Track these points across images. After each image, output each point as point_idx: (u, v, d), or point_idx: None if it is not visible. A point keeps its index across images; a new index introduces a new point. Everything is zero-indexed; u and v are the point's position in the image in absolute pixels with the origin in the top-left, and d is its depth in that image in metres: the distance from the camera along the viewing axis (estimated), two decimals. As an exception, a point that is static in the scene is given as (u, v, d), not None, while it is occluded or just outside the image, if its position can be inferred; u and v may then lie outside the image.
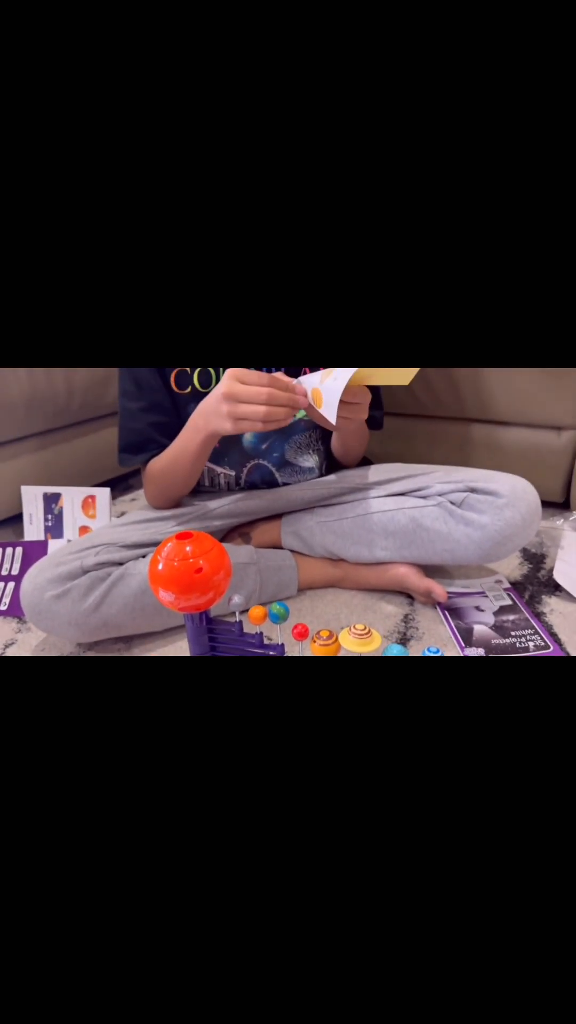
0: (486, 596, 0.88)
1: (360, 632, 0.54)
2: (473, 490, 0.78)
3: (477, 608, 0.85)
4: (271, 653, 0.58)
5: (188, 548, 0.53)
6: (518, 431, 1.09)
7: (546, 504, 1.11)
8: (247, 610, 0.59)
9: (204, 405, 0.72)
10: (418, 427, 1.18)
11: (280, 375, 0.67)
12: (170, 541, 0.54)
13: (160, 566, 0.53)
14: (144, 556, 0.81)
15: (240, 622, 0.58)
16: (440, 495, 0.80)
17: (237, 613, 0.58)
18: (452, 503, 0.79)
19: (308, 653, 0.58)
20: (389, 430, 1.01)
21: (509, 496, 0.75)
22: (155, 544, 0.83)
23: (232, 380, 0.65)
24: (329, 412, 0.63)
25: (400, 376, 0.65)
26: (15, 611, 0.95)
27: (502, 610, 0.85)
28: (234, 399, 0.64)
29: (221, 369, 0.80)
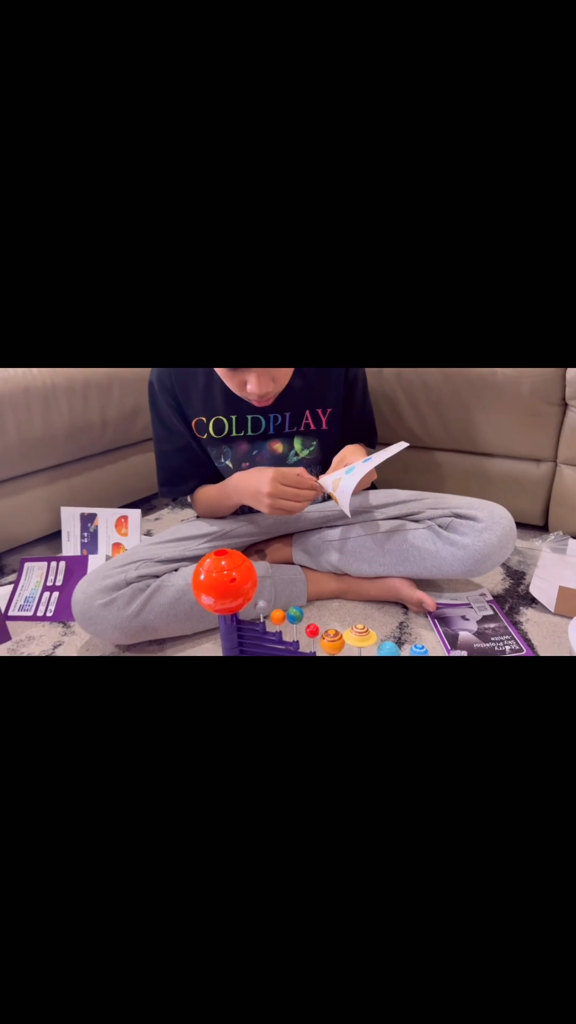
0: (471, 607, 1.01)
1: (360, 631, 0.68)
2: (457, 515, 0.92)
3: (463, 617, 0.98)
4: (288, 648, 0.71)
5: (224, 563, 0.67)
6: (502, 462, 1.23)
7: (527, 527, 1.25)
8: (268, 615, 0.73)
9: (246, 487, 0.89)
10: (414, 457, 1.32)
11: (306, 475, 0.86)
12: (209, 557, 0.68)
13: (202, 576, 0.67)
14: (176, 570, 0.96)
15: (263, 623, 0.71)
16: (430, 519, 0.94)
17: (261, 616, 0.71)
18: (440, 526, 0.93)
19: (318, 648, 0.71)
20: (388, 460, 1.15)
21: (487, 521, 0.89)
22: (185, 559, 0.97)
23: (276, 483, 0.83)
24: (344, 507, 0.83)
25: (395, 449, 0.87)
26: (60, 616, 1.08)
27: (484, 619, 0.98)
28: (277, 497, 0.83)
29: (233, 419, 0.96)
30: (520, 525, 1.03)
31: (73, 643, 1.00)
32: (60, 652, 0.98)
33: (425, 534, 0.93)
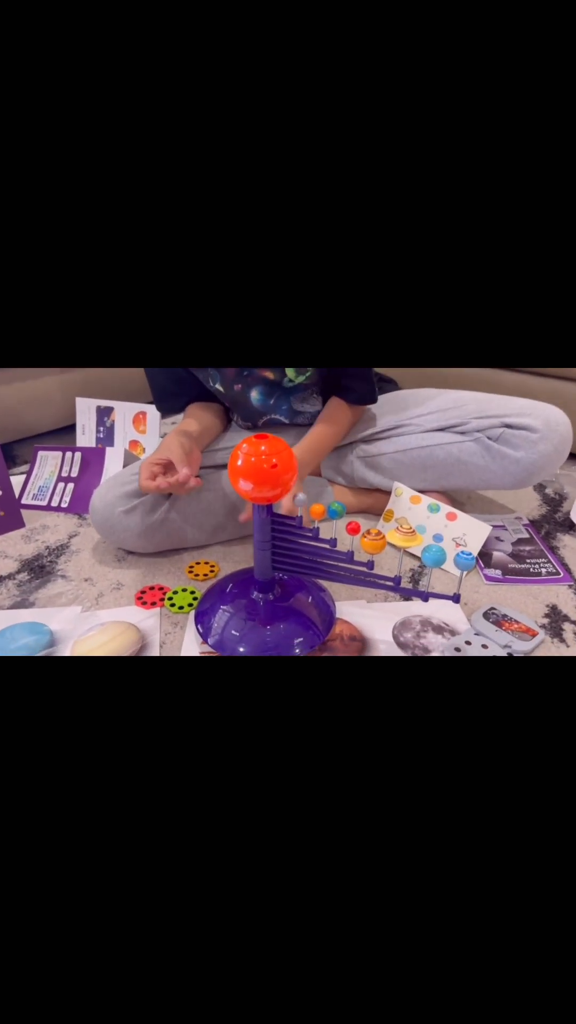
0: (506, 529, 0.97)
1: (406, 531, 0.63)
2: (509, 425, 0.85)
3: (497, 538, 0.94)
4: (325, 547, 0.67)
5: (263, 447, 0.61)
6: (544, 381, 1.14)
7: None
8: (307, 509, 0.67)
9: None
10: (452, 376, 1.23)
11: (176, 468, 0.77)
12: (247, 441, 0.62)
13: (240, 461, 0.61)
14: (198, 476, 0.90)
15: (300, 517, 0.66)
16: (478, 431, 0.87)
17: (300, 509, 0.66)
18: (489, 439, 0.86)
19: (358, 548, 0.67)
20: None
21: (543, 430, 0.82)
22: (208, 467, 0.91)
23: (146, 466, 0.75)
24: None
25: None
26: (76, 508, 1.04)
27: (520, 542, 0.93)
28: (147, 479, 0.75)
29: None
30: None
31: (89, 535, 0.96)
32: (75, 544, 0.94)
33: (473, 447, 0.87)
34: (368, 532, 0.63)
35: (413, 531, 0.62)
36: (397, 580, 0.66)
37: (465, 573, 0.63)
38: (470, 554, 0.61)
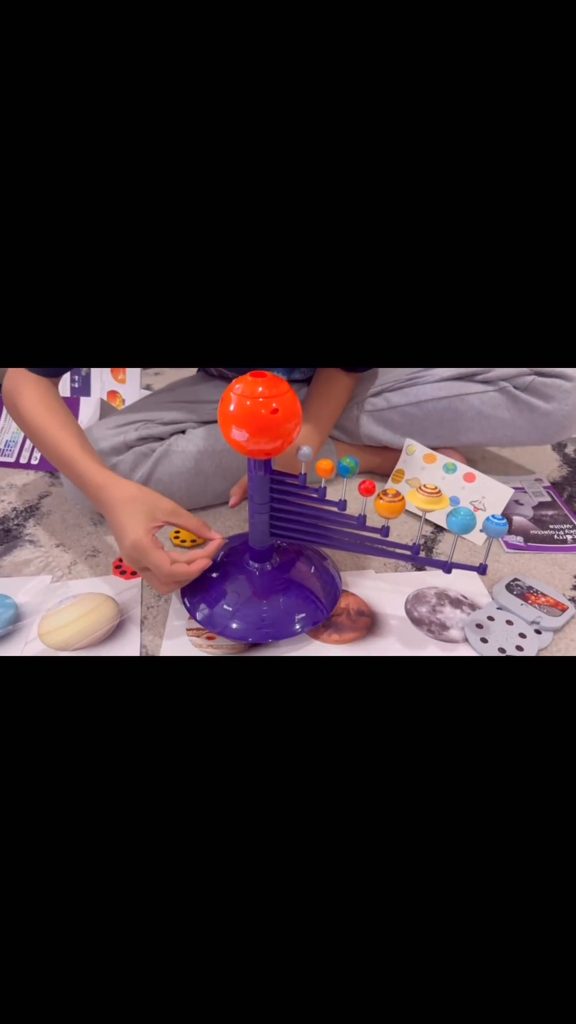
0: (525, 492, 0.88)
1: (430, 491, 0.53)
2: (540, 373, 0.74)
3: (516, 502, 0.85)
4: (332, 510, 0.57)
5: (260, 388, 0.50)
6: None
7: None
8: (312, 466, 0.57)
9: (119, 511, 0.58)
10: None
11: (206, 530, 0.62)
12: (240, 381, 0.51)
13: (232, 406, 0.50)
14: (183, 431, 0.79)
15: (305, 475, 0.57)
16: (503, 379, 0.76)
17: (304, 465, 0.56)
18: (516, 388, 0.76)
19: (372, 510, 0.57)
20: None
21: None
22: (193, 422, 0.81)
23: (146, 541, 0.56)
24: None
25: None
26: (47, 465, 0.93)
27: (541, 506, 0.85)
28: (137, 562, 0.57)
29: None
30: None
31: (61, 495, 0.86)
32: (46, 505, 0.84)
33: (497, 399, 0.76)
34: (385, 493, 0.53)
35: (438, 492, 0.53)
36: (415, 549, 0.57)
37: (490, 541, 0.54)
38: (502, 519, 0.52)
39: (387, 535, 0.56)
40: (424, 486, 0.54)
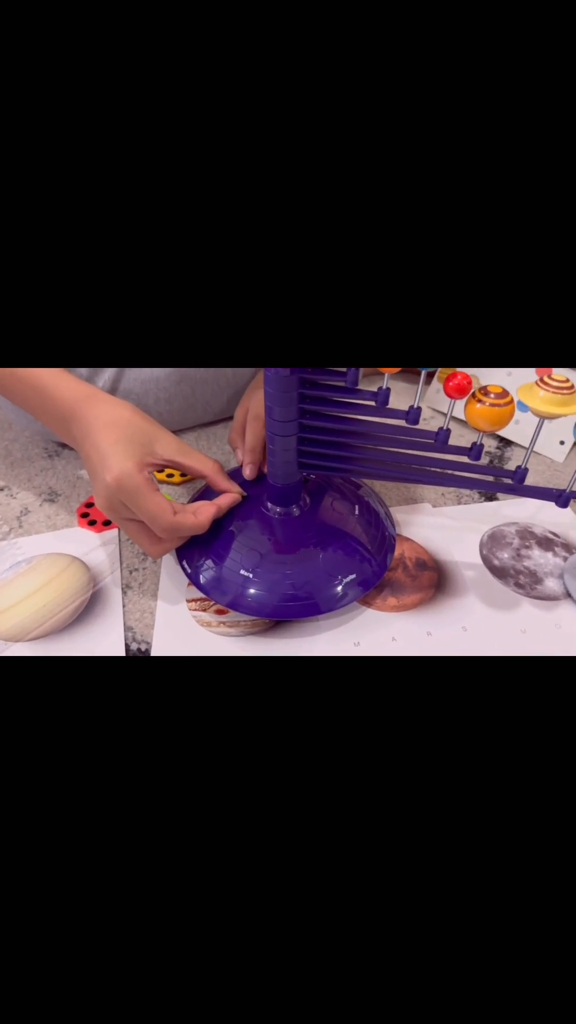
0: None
1: (561, 385, 0.34)
2: None
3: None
4: (398, 422, 0.38)
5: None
6: None
7: None
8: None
9: (98, 456, 0.40)
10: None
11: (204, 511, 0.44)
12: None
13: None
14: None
15: (355, 371, 0.36)
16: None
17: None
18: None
19: (461, 412, 0.38)
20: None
21: None
22: None
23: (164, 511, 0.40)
24: None
25: None
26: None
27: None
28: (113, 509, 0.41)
29: None
30: None
31: (3, 420, 0.65)
32: (-18, 432, 0.63)
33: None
34: (485, 391, 0.34)
35: (572, 386, 0.34)
36: (520, 474, 0.39)
37: None
38: None
39: (479, 457, 0.38)
40: (547, 379, 0.34)
